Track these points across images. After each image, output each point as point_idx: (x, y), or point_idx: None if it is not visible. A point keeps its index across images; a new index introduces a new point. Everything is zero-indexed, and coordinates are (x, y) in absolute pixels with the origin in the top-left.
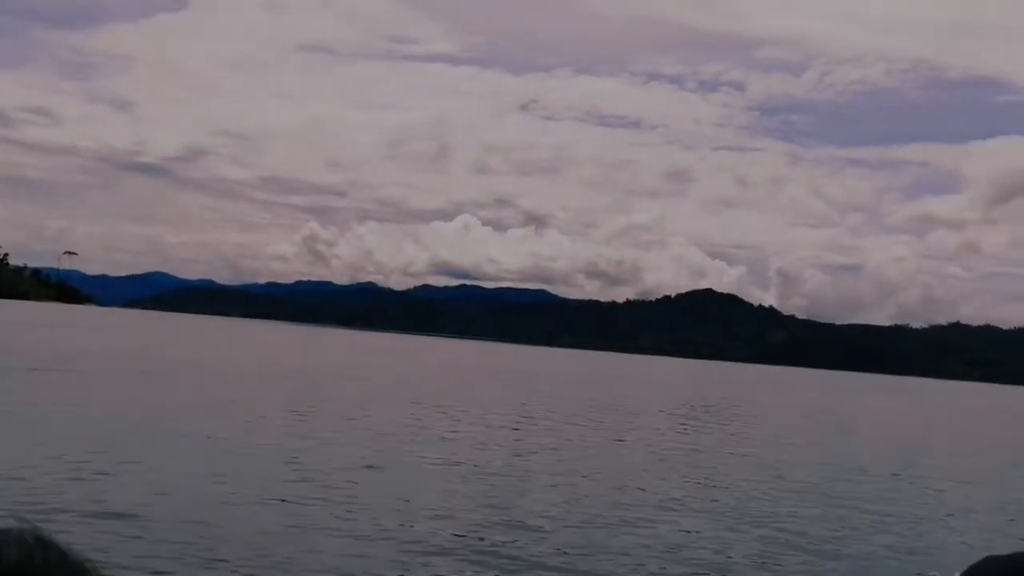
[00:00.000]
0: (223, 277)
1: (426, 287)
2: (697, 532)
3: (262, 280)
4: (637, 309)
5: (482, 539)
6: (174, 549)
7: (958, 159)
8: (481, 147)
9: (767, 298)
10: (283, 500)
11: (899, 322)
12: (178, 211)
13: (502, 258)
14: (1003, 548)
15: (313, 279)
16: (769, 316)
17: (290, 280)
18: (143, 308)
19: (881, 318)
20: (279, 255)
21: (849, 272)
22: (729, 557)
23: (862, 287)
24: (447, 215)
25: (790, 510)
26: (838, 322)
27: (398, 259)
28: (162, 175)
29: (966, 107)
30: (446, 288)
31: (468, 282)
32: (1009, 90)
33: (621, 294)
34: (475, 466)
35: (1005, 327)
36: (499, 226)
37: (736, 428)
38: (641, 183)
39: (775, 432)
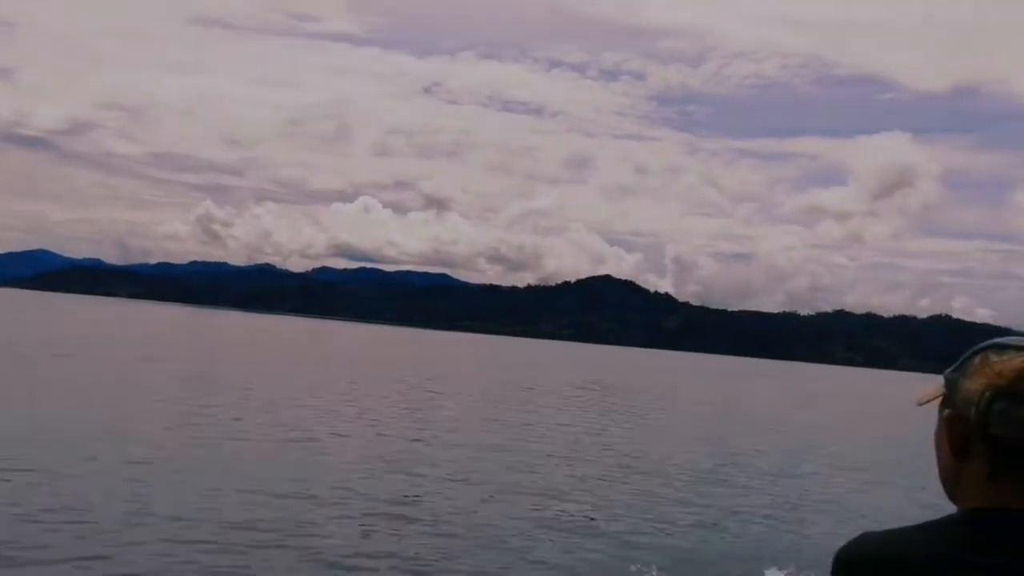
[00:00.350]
0: (111, 256)
1: (325, 269)
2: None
3: (153, 260)
4: (537, 294)
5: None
6: None
7: (845, 153)
8: (383, 129)
9: (663, 284)
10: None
11: (788, 309)
12: (63, 186)
13: (403, 241)
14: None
15: (208, 260)
16: (665, 302)
17: (183, 260)
18: (23, 288)
19: (771, 305)
20: (171, 234)
21: (741, 260)
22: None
23: (753, 275)
24: (347, 197)
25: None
26: (730, 308)
27: (296, 240)
28: (45, 148)
29: (853, 103)
30: (346, 271)
31: (368, 265)
32: (893, 88)
33: (522, 279)
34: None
35: (886, 315)
36: (400, 209)
37: (618, 415)
38: (542, 169)
39: (658, 418)
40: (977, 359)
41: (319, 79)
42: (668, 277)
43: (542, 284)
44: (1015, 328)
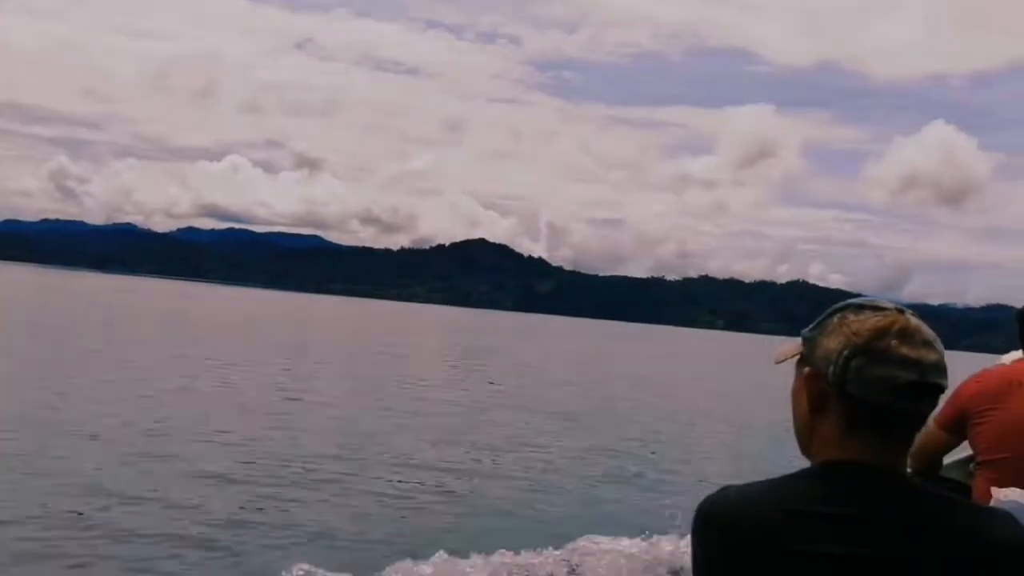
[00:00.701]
0: None
1: (191, 230)
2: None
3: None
4: (411, 257)
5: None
6: None
7: (713, 123)
8: (253, 85)
9: (537, 249)
10: None
11: (656, 274)
12: None
13: (273, 202)
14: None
15: (62, 218)
16: (538, 266)
17: (34, 218)
18: None
19: (640, 270)
20: (21, 190)
21: (613, 226)
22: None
23: (624, 240)
24: (214, 155)
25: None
26: (602, 273)
27: (160, 199)
28: None
29: (722, 74)
30: (213, 231)
31: (237, 225)
32: (760, 61)
33: (396, 241)
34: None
35: (747, 280)
36: (270, 168)
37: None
38: (417, 131)
39: (528, 383)
40: (835, 318)
41: (186, 31)
42: (542, 241)
43: (416, 247)
44: (865, 293)
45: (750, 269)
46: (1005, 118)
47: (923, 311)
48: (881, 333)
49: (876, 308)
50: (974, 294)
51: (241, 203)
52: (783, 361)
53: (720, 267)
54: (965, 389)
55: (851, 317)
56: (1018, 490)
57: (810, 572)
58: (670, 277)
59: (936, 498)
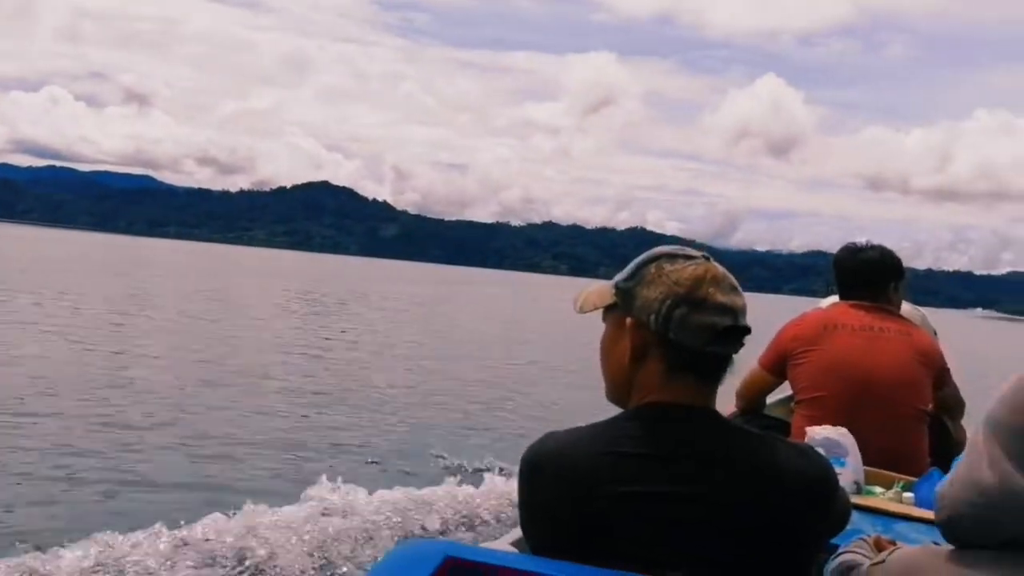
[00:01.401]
0: None
1: (6, 167)
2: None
3: None
4: (251, 199)
5: None
6: None
7: (557, 69)
8: (72, 10)
9: (382, 192)
10: None
11: (501, 219)
12: None
13: (99, 138)
14: None
15: None
16: (383, 210)
17: None
18: None
19: (485, 215)
20: None
21: (458, 170)
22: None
23: (469, 185)
24: (30, 85)
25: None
26: (447, 218)
27: None
28: None
29: (567, 21)
30: (31, 169)
31: (58, 163)
32: (604, 9)
33: (234, 183)
34: None
35: (589, 226)
36: (94, 102)
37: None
38: (257, 68)
39: (370, 328)
40: (651, 268)
41: None
42: (387, 185)
43: (256, 189)
44: (699, 241)
45: (592, 215)
46: (829, 75)
47: (751, 258)
48: (699, 282)
49: (687, 257)
50: (797, 241)
51: (62, 139)
52: (590, 311)
53: (564, 213)
54: (786, 332)
55: (667, 267)
56: (829, 427)
57: (634, 511)
58: (515, 222)
59: (749, 435)
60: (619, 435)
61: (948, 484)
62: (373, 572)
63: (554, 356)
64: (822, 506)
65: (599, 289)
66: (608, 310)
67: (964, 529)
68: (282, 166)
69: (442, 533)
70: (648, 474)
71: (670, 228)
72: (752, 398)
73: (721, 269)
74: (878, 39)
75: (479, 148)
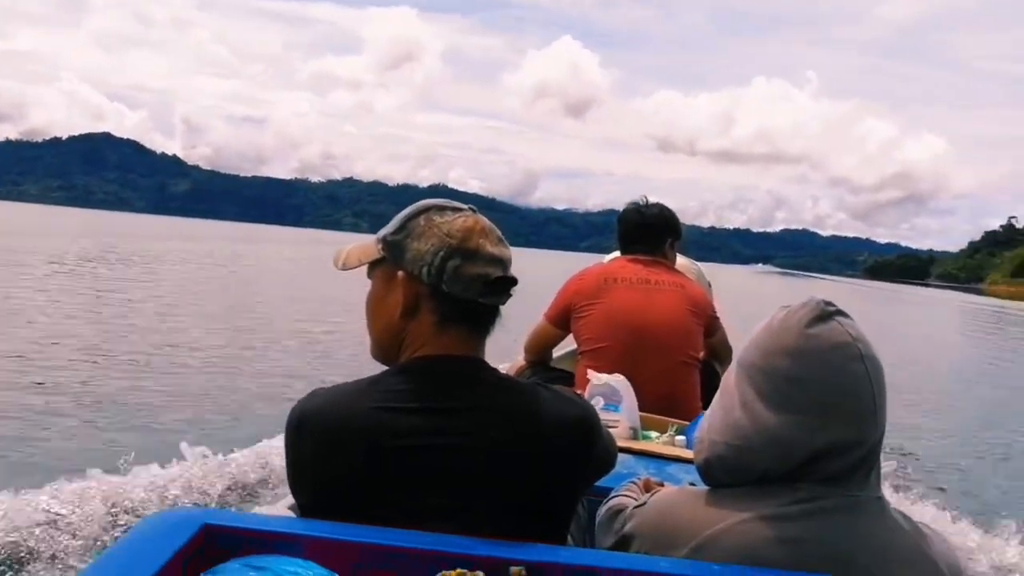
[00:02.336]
0: None
1: None
2: None
3: None
4: (20, 150)
5: None
6: None
7: (358, 23)
8: None
9: (171, 146)
10: None
11: (300, 176)
12: None
13: None
14: None
15: None
16: (173, 165)
17: None
18: None
19: (284, 171)
20: None
21: (254, 124)
22: None
23: (266, 140)
24: None
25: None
26: (243, 173)
27: None
28: None
29: None
30: None
31: None
32: None
33: (1, 132)
34: None
35: (391, 184)
36: None
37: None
38: (24, 6)
39: (161, 290)
40: (421, 220)
41: None
42: (177, 138)
43: (26, 139)
44: (500, 199)
45: (394, 172)
46: (625, 39)
47: (549, 216)
48: (470, 233)
49: (455, 209)
50: (593, 200)
51: None
52: (354, 267)
53: (365, 170)
54: (569, 287)
55: (437, 219)
56: (607, 375)
57: (404, 465)
58: (314, 179)
59: (516, 385)
60: (388, 389)
61: (705, 428)
62: (119, 545)
63: (358, 317)
64: (585, 449)
65: (361, 245)
66: (374, 266)
67: (721, 470)
68: (56, 115)
69: (224, 504)
70: (418, 427)
71: (472, 186)
72: (539, 351)
73: (488, 221)
74: (675, 6)
75: (277, 102)
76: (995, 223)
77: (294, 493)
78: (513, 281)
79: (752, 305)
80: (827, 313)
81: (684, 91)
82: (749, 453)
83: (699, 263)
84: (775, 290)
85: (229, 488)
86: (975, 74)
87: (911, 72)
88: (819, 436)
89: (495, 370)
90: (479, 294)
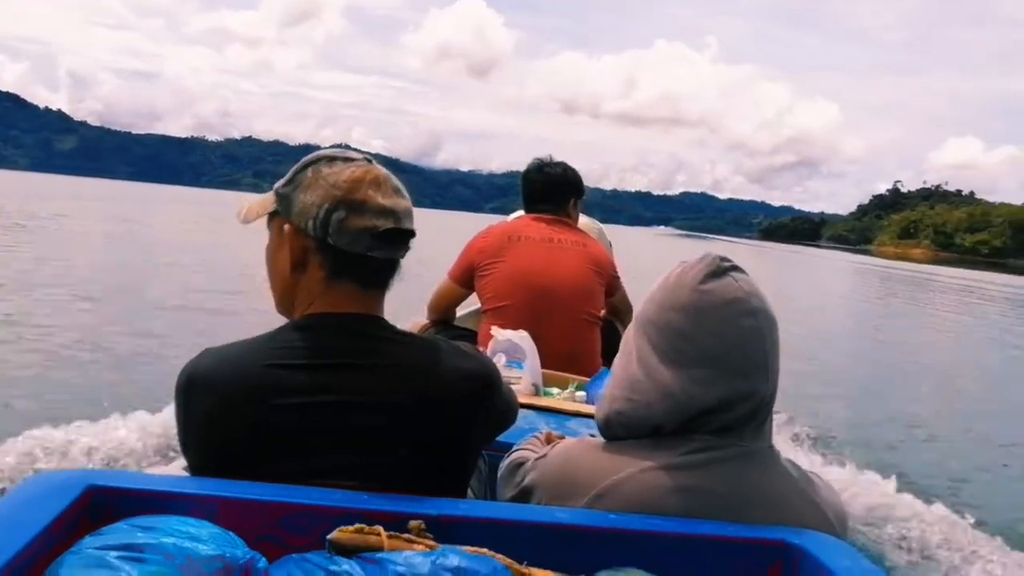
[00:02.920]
0: None
1: None
2: None
3: None
4: None
5: None
6: None
7: None
8: None
9: (56, 100)
10: None
11: (197, 134)
12: None
13: None
14: None
15: None
16: (58, 121)
17: None
18: None
19: (179, 129)
20: None
21: (147, 79)
22: None
23: (160, 96)
24: None
25: None
26: (135, 131)
27: None
28: None
29: None
30: None
31: None
32: None
33: None
34: None
35: (292, 143)
36: None
37: None
38: None
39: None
40: (309, 172)
41: None
42: (62, 92)
43: None
44: (403, 159)
45: (295, 131)
46: (528, 0)
47: (454, 177)
48: (357, 184)
49: (348, 160)
50: (497, 161)
51: None
52: (254, 220)
53: (265, 128)
54: (473, 245)
55: (325, 170)
56: (511, 331)
57: (297, 423)
58: (212, 137)
59: (413, 340)
60: (280, 347)
61: (606, 384)
62: None
63: (260, 278)
64: (484, 403)
65: (263, 197)
66: (271, 219)
67: (619, 424)
68: None
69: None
70: (312, 384)
71: (375, 146)
72: (442, 309)
73: (383, 171)
74: None
75: (171, 56)
76: (882, 187)
77: (186, 455)
78: (408, 233)
79: (653, 265)
80: (722, 269)
81: (588, 53)
82: (646, 407)
83: (600, 224)
84: (676, 251)
85: (122, 455)
86: (866, 42)
87: (806, 39)
88: (712, 389)
89: (392, 326)
90: (368, 247)
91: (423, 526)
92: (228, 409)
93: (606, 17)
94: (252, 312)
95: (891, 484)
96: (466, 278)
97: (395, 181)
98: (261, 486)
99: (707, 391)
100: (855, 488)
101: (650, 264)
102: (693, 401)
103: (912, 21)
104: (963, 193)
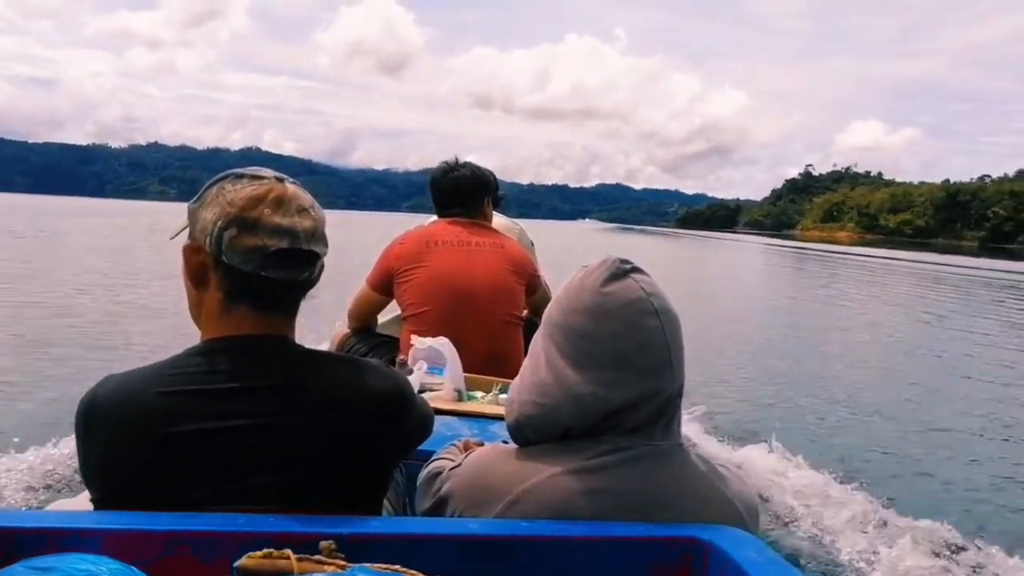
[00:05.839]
0: None
1: None
2: None
3: None
4: None
5: None
6: None
7: None
8: None
9: None
10: None
11: (98, 141)
12: None
13: None
14: None
15: None
16: None
17: None
18: None
19: (79, 136)
20: None
21: (41, 86)
22: None
23: (57, 102)
24: None
25: None
26: (32, 140)
27: None
28: None
29: None
30: None
31: None
32: None
33: None
34: None
35: (200, 148)
36: None
37: None
38: None
39: None
40: (214, 189)
41: None
42: None
43: None
44: (316, 160)
45: (203, 135)
46: None
47: (369, 176)
48: (254, 202)
49: (255, 177)
50: (413, 159)
51: None
52: (175, 236)
53: (171, 133)
54: (390, 251)
55: (228, 187)
56: (431, 338)
57: (201, 450)
58: (115, 144)
59: (320, 360)
60: (178, 372)
61: (515, 387)
62: None
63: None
64: (397, 420)
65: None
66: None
67: (529, 428)
68: None
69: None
70: (210, 410)
71: (287, 148)
72: (363, 317)
73: (292, 190)
74: None
75: (67, 61)
76: (793, 171)
77: (89, 488)
78: (308, 254)
79: (580, 261)
80: (622, 271)
81: (500, 48)
82: (554, 410)
83: (520, 220)
84: (610, 243)
85: (26, 488)
86: (771, 31)
87: (712, 29)
88: (619, 390)
89: (299, 346)
90: (260, 267)
91: (334, 546)
92: (126, 439)
93: (516, 12)
94: (161, 331)
95: (804, 471)
96: (384, 285)
97: (303, 201)
98: (163, 515)
99: (613, 392)
100: (767, 478)
101: (591, 257)
102: (600, 403)
103: (811, 9)
104: (871, 174)
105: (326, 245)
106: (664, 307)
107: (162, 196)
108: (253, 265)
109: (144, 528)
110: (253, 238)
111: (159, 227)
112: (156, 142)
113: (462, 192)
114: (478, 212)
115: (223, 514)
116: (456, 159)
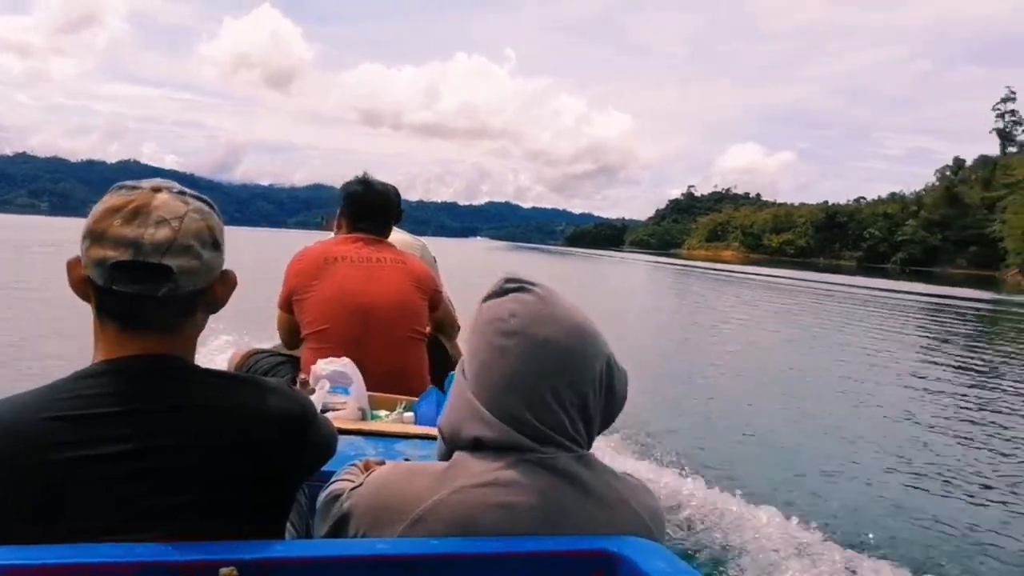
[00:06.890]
0: None
1: None
2: None
3: None
4: None
5: None
6: None
7: None
8: None
9: None
10: None
11: None
12: None
13: None
14: None
15: None
16: None
17: None
18: None
19: None
20: None
21: None
22: None
23: None
24: None
25: None
26: None
27: None
28: None
29: None
30: None
31: None
32: None
33: None
34: None
35: (73, 159)
36: None
37: None
38: None
39: None
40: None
41: None
42: None
43: None
44: (200, 175)
45: (77, 147)
46: (327, 11)
47: (254, 192)
48: (109, 213)
49: (132, 188)
50: (300, 174)
51: None
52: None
53: (42, 144)
54: (290, 269)
55: (105, 198)
56: (334, 359)
57: (89, 477)
58: None
59: (211, 380)
60: (61, 397)
61: (443, 415)
62: None
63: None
64: (298, 440)
65: None
66: None
67: (449, 446)
68: None
69: None
70: (95, 436)
71: (168, 162)
72: (286, 341)
73: (160, 200)
74: None
75: None
76: (676, 192)
77: None
78: (158, 268)
79: (479, 278)
80: (504, 289)
81: (388, 64)
82: (459, 426)
83: (422, 239)
84: (501, 261)
85: None
86: (652, 56)
87: (599, 52)
88: (518, 406)
89: (191, 365)
90: (106, 279)
91: (236, 573)
92: (7, 469)
93: (405, 29)
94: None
95: (707, 485)
96: (291, 304)
97: (169, 211)
98: (53, 549)
99: (514, 408)
100: (673, 489)
101: (489, 274)
102: (504, 419)
103: (690, 37)
104: (750, 195)
105: (196, 259)
106: (529, 331)
107: (32, 209)
108: (103, 278)
109: (33, 563)
110: (100, 249)
111: (27, 242)
112: (24, 152)
113: (378, 208)
114: (386, 229)
115: (120, 544)
116: (366, 173)
